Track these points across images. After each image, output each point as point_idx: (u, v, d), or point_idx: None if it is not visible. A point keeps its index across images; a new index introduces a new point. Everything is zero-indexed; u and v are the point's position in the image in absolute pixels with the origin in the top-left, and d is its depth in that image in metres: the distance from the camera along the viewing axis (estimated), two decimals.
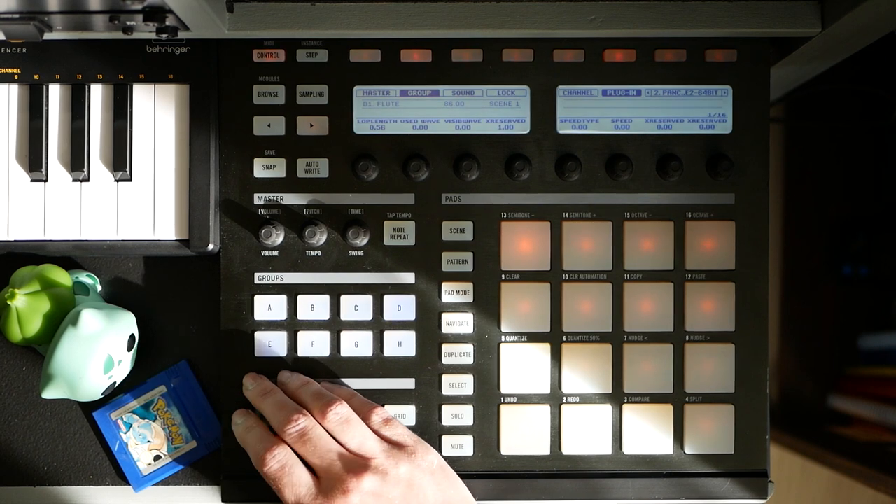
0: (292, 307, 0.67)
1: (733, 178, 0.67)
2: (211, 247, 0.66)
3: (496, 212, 0.67)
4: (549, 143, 0.67)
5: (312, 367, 0.67)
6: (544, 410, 0.67)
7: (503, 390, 0.67)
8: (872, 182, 1.16)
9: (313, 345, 0.67)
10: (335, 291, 0.67)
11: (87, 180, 0.67)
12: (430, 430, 0.67)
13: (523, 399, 0.67)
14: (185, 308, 0.69)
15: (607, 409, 0.67)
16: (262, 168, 0.67)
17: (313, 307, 0.67)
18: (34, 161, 0.67)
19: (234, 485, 0.67)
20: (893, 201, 1.15)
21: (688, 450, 0.67)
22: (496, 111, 0.67)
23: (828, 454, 1.04)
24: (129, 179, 0.67)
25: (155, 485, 0.69)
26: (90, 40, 0.66)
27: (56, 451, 0.69)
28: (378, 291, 0.67)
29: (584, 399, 0.67)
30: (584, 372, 0.67)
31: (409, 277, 0.67)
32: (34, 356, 0.69)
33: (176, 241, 0.67)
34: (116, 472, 0.69)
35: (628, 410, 0.67)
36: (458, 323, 0.67)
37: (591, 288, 0.67)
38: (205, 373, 0.69)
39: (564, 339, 0.67)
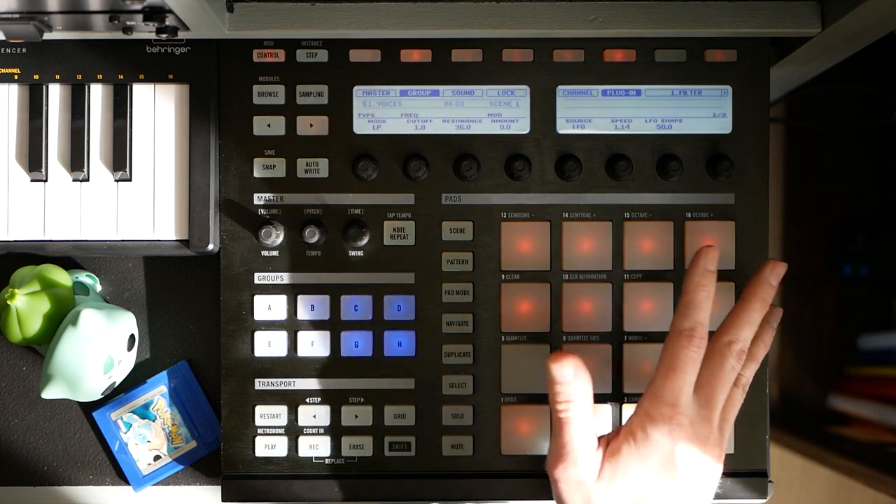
0: (292, 307, 0.67)
1: (733, 178, 0.67)
2: (211, 247, 0.66)
3: (496, 212, 0.67)
4: (549, 143, 0.67)
5: (312, 367, 0.67)
6: (544, 410, 0.67)
7: (503, 390, 0.67)
8: (872, 182, 1.16)
9: (313, 345, 0.67)
10: (335, 291, 0.67)
11: (87, 180, 0.67)
12: (429, 430, 0.67)
13: (523, 399, 0.67)
14: (185, 308, 0.69)
15: (607, 408, 0.67)
16: (261, 168, 0.67)
17: (313, 307, 0.67)
18: (34, 161, 0.67)
19: (234, 485, 0.67)
20: (893, 201, 1.15)
21: None
22: (496, 111, 0.67)
23: (828, 454, 1.04)
24: (129, 179, 0.67)
25: (155, 485, 0.69)
26: (90, 40, 0.66)
27: (56, 451, 0.69)
28: (378, 291, 0.67)
29: None
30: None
31: (409, 277, 0.67)
32: (34, 356, 0.69)
33: (176, 241, 0.67)
34: (116, 472, 0.69)
35: (629, 410, 0.67)
36: (458, 323, 0.67)
37: (591, 288, 0.67)
38: (205, 373, 0.69)
39: (564, 338, 0.67)
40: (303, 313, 0.67)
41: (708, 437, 0.61)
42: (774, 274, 0.64)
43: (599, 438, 0.62)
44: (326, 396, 0.67)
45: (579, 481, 0.60)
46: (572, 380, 0.60)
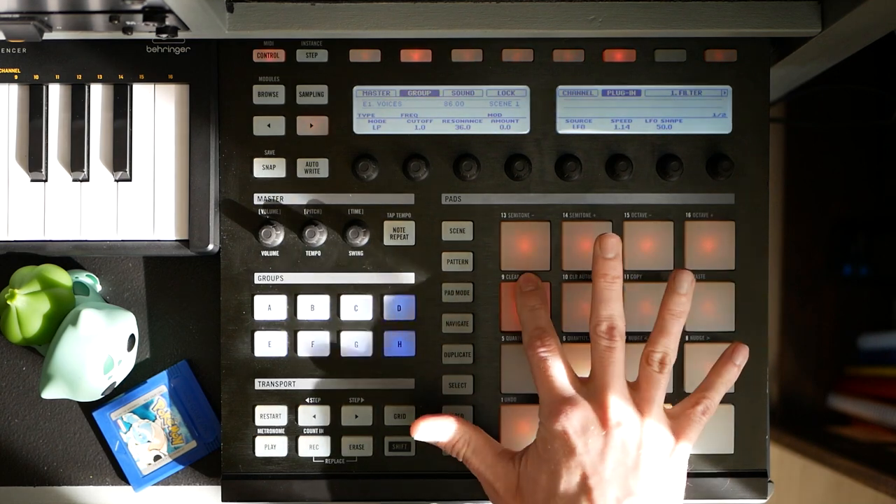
0: (292, 307, 0.67)
1: (733, 178, 0.67)
2: (211, 247, 0.66)
3: (496, 212, 0.67)
4: (549, 143, 0.67)
5: (312, 367, 0.67)
6: None
7: (503, 390, 0.67)
8: (872, 182, 1.16)
9: (313, 345, 0.67)
10: (335, 291, 0.67)
11: (87, 180, 0.67)
12: None
13: (523, 399, 0.67)
14: (185, 308, 0.69)
15: None
16: (262, 168, 0.67)
17: (313, 307, 0.67)
18: (34, 161, 0.67)
19: (234, 485, 0.67)
20: (893, 201, 1.15)
21: None
22: (496, 111, 0.67)
23: (828, 454, 1.04)
24: (129, 179, 0.67)
25: (155, 485, 0.69)
26: (90, 40, 0.66)
27: (56, 451, 0.69)
28: (378, 291, 0.67)
29: None
30: (585, 372, 0.67)
31: (409, 277, 0.67)
32: (34, 356, 0.69)
33: (176, 241, 0.67)
34: (116, 472, 0.69)
35: None
36: (458, 322, 0.67)
37: (591, 288, 0.67)
38: (205, 373, 0.69)
39: (564, 338, 0.67)
40: (303, 313, 0.67)
41: (610, 415, 0.60)
42: (605, 246, 0.63)
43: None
44: (326, 396, 0.67)
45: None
46: None
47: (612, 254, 0.63)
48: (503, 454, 0.64)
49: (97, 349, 0.61)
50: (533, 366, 0.64)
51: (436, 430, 0.64)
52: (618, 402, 0.61)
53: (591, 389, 0.62)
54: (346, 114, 0.67)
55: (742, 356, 0.64)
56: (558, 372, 0.63)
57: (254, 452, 0.67)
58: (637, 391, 0.62)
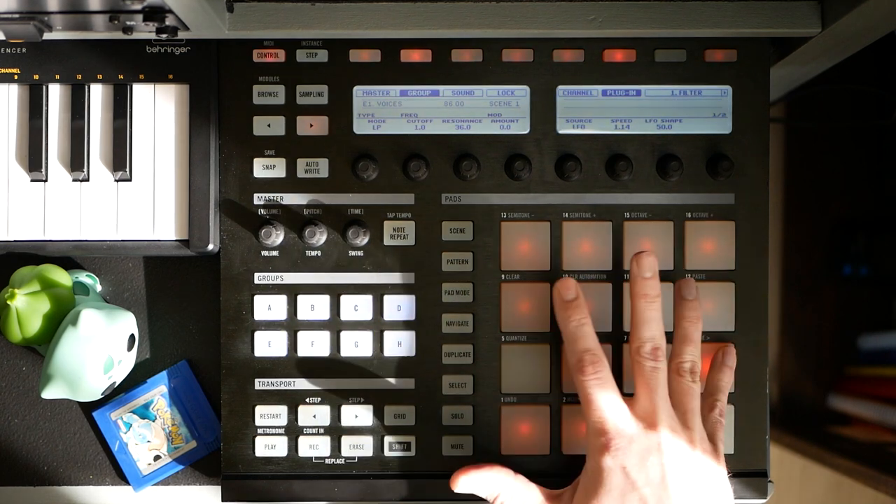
0: (292, 307, 0.67)
1: (733, 178, 0.67)
2: (211, 247, 0.66)
3: (496, 212, 0.67)
4: (549, 143, 0.67)
5: (312, 367, 0.67)
6: (544, 410, 0.67)
7: (503, 390, 0.67)
8: (872, 182, 1.16)
9: (313, 345, 0.67)
10: (335, 291, 0.67)
11: (87, 180, 0.67)
12: (429, 430, 0.67)
13: (523, 399, 0.67)
14: (185, 308, 0.69)
15: None
16: (262, 168, 0.67)
17: (313, 307, 0.67)
18: (34, 161, 0.67)
19: (234, 485, 0.67)
20: (893, 201, 1.15)
21: None
22: (496, 111, 0.67)
23: (828, 454, 1.04)
24: (129, 179, 0.67)
25: (155, 485, 0.69)
26: (90, 40, 0.66)
27: (56, 451, 0.69)
28: (378, 291, 0.67)
29: None
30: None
31: (409, 277, 0.67)
32: (34, 356, 0.69)
33: (176, 241, 0.67)
34: (116, 472, 0.69)
35: None
36: (458, 323, 0.67)
37: (591, 288, 0.67)
38: (205, 373, 0.69)
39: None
40: (303, 313, 0.67)
41: (656, 443, 0.60)
42: (643, 266, 0.63)
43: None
44: (326, 396, 0.67)
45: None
46: None
47: (650, 273, 0.63)
48: (548, 498, 0.64)
49: (97, 349, 0.61)
50: (582, 392, 0.62)
51: (477, 483, 0.63)
52: (670, 425, 0.61)
53: (641, 414, 0.61)
54: (346, 114, 0.67)
55: (732, 358, 0.65)
56: (611, 402, 0.61)
57: (254, 452, 0.67)
58: (677, 406, 0.62)
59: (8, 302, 0.61)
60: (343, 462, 0.67)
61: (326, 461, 0.67)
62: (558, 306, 0.65)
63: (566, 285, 0.64)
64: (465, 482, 0.63)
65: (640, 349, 0.62)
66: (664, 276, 0.67)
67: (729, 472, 0.64)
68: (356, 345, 0.67)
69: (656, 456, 0.60)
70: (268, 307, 0.67)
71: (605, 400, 0.61)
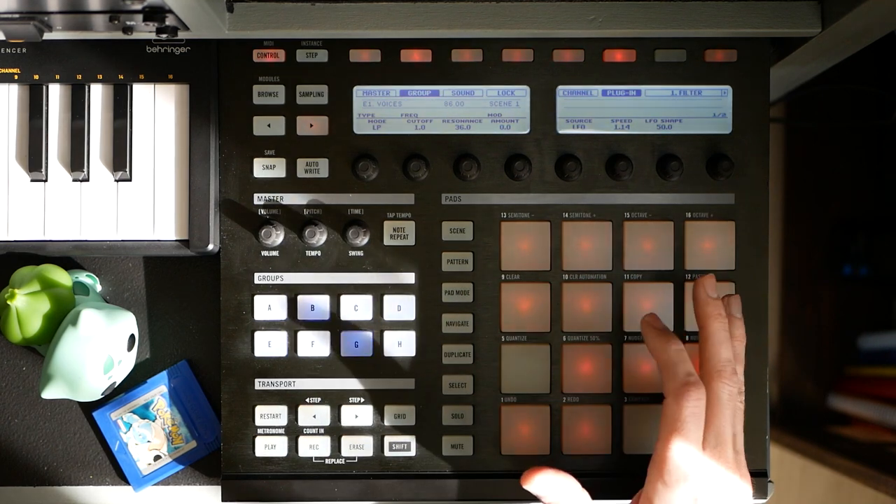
0: (292, 307, 0.67)
1: (733, 178, 0.67)
2: (211, 247, 0.66)
3: (496, 212, 0.67)
4: (549, 143, 0.67)
5: (312, 367, 0.67)
6: (544, 410, 0.67)
7: (503, 390, 0.67)
8: (872, 182, 1.16)
9: (313, 345, 0.67)
10: (335, 291, 0.67)
11: (87, 180, 0.67)
12: (429, 430, 0.67)
13: (523, 399, 0.67)
14: (185, 308, 0.69)
15: (607, 409, 0.67)
16: (262, 168, 0.67)
17: (313, 307, 0.67)
18: (34, 161, 0.67)
19: (234, 485, 0.67)
20: (893, 201, 1.15)
21: None
22: (496, 111, 0.67)
23: (828, 454, 1.04)
24: (129, 179, 0.67)
25: (155, 485, 0.69)
26: (90, 40, 0.66)
27: (56, 451, 0.69)
28: (378, 291, 0.67)
29: (584, 399, 0.67)
30: (585, 372, 0.67)
31: (409, 277, 0.67)
32: (34, 356, 0.69)
33: (176, 241, 0.67)
34: (116, 472, 0.69)
35: (628, 411, 0.67)
36: (458, 323, 0.67)
37: (591, 288, 0.67)
38: (205, 373, 0.69)
39: (564, 339, 0.67)
40: (303, 313, 0.67)
41: (726, 474, 0.60)
42: (708, 287, 0.63)
43: None
44: (326, 396, 0.67)
45: None
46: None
47: (716, 293, 0.63)
48: None
49: (97, 349, 0.61)
50: (677, 415, 0.59)
51: (549, 485, 0.62)
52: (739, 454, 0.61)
53: (717, 440, 0.60)
54: (346, 114, 0.67)
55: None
56: (699, 430, 0.60)
57: (254, 452, 0.67)
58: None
59: (8, 302, 0.61)
60: (343, 462, 0.67)
61: (326, 461, 0.67)
62: (652, 334, 0.64)
63: (654, 316, 0.65)
64: (539, 480, 0.62)
65: (722, 372, 0.61)
66: (664, 276, 0.67)
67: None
68: (356, 345, 0.67)
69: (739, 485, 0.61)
70: (268, 307, 0.67)
71: (696, 427, 0.59)
